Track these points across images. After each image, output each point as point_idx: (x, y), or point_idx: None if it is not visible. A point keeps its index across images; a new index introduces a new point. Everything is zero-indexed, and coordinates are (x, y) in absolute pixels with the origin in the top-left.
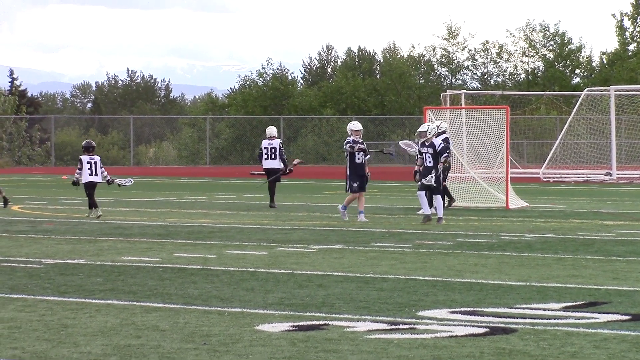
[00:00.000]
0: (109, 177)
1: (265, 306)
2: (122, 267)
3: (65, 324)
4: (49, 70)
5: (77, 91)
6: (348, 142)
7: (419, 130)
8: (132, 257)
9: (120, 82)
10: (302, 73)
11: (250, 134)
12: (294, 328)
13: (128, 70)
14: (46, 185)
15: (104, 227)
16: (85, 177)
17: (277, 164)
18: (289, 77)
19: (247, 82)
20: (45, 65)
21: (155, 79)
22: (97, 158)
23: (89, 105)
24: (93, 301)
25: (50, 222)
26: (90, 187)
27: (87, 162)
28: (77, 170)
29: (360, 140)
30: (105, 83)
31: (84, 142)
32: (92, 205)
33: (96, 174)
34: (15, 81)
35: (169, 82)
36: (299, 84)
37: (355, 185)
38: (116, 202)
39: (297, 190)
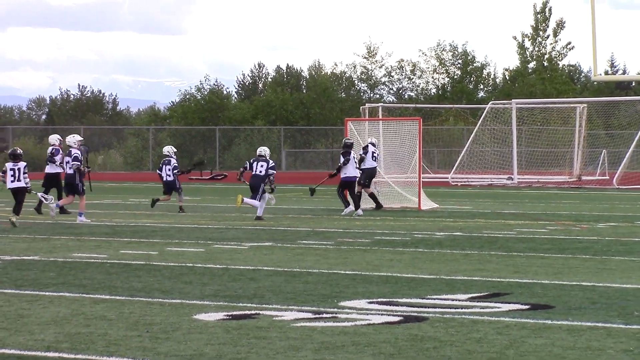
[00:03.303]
0: (29, 186)
1: (202, 297)
2: (73, 263)
3: (21, 314)
4: (7, 86)
5: (33, 104)
6: (77, 156)
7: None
8: (82, 254)
9: (72, 96)
10: (236, 88)
11: (189, 143)
12: (228, 317)
13: (79, 85)
14: (4, 189)
15: (56, 227)
16: (8, 184)
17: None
18: (224, 92)
19: (187, 96)
20: (3, 81)
21: (104, 94)
22: (21, 164)
23: (44, 117)
24: (46, 293)
25: (7, 223)
26: (14, 193)
27: (10, 169)
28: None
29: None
30: (58, 97)
31: (10, 150)
32: (16, 211)
33: (19, 180)
34: None
35: (116, 96)
36: (233, 98)
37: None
38: (68, 205)
39: (231, 194)
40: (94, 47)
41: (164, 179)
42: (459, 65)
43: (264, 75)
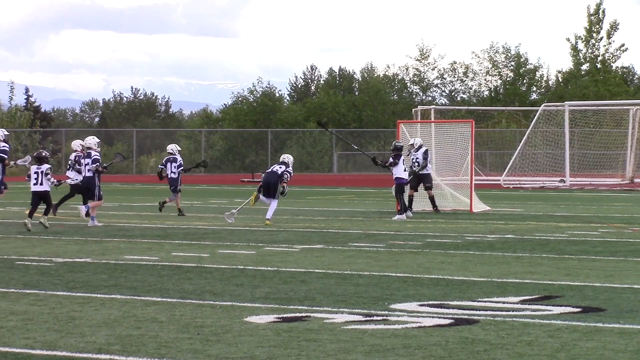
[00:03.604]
0: (55, 182)
1: (253, 300)
2: (124, 265)
3: (73, 317)
4: (61, 89)
5: (86, 107)
6: (96, 157)
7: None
8: (134, 256)
9: (124, 98)
10: (288, 90)
11: (241, 145)
12: (278, 320)
13: (132, 88)
14: (56, 191)
15: (108, 230)
16: (31, 186)
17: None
18: (277, 94)
19: (239, 99)
20: (57, 84)
21: (156, 96)
22: (44, 167)
23: (97, 119)
24: (98, 296)
25: (60, 225)
26: (34, 196)
27: (34, 172)
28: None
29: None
30: (111, 100)
31: (35, 153)
32: (30, 214)
33: (41, 184)
34: (30, 98)
35: (168, 98)
36: (286, 100)
37: (102, 193)
38: (120, 207)
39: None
40: (147, 49)
41: (169, 176)
42: (511, 67)
43: (316, 77)
